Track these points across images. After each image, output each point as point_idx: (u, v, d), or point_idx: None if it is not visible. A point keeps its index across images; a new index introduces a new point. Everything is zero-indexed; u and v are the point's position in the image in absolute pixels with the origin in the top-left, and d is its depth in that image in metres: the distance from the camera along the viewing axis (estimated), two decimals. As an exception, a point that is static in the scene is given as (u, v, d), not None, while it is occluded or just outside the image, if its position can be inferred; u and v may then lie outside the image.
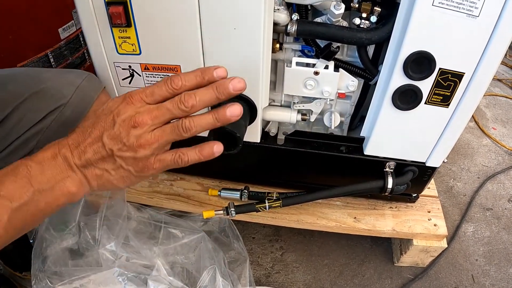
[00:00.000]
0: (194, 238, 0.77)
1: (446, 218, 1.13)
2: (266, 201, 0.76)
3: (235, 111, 0.46)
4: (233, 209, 0.74)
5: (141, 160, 0.44)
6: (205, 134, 0.51)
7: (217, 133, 0.63)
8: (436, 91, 0.66)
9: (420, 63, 0.62)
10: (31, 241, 0.91)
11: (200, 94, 0.44)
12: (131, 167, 0.45)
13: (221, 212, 0.74)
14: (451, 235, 1.10)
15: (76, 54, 1.09)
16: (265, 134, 0.79)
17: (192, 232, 0.78)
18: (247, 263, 0.82)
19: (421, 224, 0.88)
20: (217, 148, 0.47)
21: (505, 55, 2.11)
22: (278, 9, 0.61)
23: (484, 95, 1.68)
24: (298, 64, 0.66)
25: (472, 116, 1.56)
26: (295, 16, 0.64)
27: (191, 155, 0.46)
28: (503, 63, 2.04)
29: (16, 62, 0.99)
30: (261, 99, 0.68)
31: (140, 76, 0.71)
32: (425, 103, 0.67)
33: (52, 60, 1.03)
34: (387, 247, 1.02)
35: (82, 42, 1.10)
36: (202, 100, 0.44)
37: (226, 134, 0.63)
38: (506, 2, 0.55)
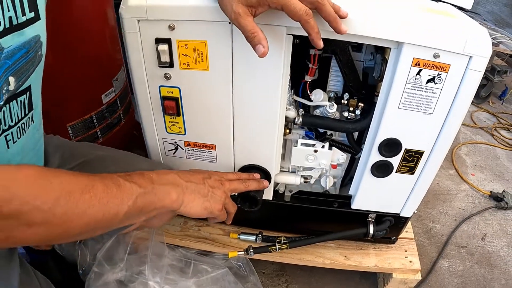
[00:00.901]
0: (220, 272, 1.04)
1: (424, 255, 1.41)
2: (276, 244, 1.04)
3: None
4: (251, 250, 1.02)
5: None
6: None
7: (244, 196, 0.92)
8: (403, 164, 0.94)
9: (390, 146, 0.90)
10: (80, 272, 1.17)
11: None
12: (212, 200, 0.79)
13: (243, 253, 1.03)
14: (428, 269, 1.37)
15: (114, 115, 1.37)
16: (275, 191, 1.08)
17: (218, 267, 1.05)
18: (260, 293, 1.10)
19: (399, 261, 1.15)
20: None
21: (488, 102, 2.44)
22: (289, 108, 0.91)
23: (465, 144, 2.01)
24: (302, 144, 0.95)
25: (453, 164, 1.87)
26: (301, 112, 0.93)
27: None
28: (485, 110, 2.36)
29: (66, 122, 1.25)
30: (274, 168, 0.98)
31: (183, 149, 0.99)
32: (396, 172, 0.95)
33: (95, 121, 1.31)
34: (373, 280, 1.29)
35: (119, 105, 1.39)
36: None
37: (250, 197, 0.92)
38: (452, 104, 0.82)
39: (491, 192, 1.70)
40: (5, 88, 0.57)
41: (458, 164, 1.88)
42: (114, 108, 1.37)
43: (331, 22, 0.66)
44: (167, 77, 0.85)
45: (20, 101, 0.63)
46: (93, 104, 1.30)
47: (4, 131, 0.61)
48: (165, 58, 0.81)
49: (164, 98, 0.89)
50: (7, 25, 0.55)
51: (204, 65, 0.82)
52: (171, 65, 0.82)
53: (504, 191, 1.70)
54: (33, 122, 0.70)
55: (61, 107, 1.21)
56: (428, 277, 1.34)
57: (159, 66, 0.83)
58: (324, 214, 1.08)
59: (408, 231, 1.24)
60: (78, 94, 1.23)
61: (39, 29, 0.63)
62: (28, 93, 0.64)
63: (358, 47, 0.94)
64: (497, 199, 1.68)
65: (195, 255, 1.12)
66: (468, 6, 0.96)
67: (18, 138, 0.65)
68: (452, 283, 1.34)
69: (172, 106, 0.89)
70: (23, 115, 0.65)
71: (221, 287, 1.04)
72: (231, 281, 1.04)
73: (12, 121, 0.62)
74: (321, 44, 0.67)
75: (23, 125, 0.65)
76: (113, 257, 1.09)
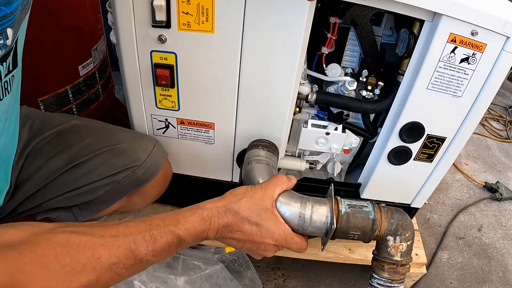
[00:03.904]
0: (214, 269, 0.92)
1: (424, 247, 1.33)
2: (278, 237, 0.92)
3: None
4: (251, 244, 0.90)
5: None
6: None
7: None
8: (423, 151, 0.85)
9: (412, 130, 0.81)
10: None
11: None
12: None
13: (241, 246, 0.90)
14: (428, 261, 1.30)
15: (92, 90, 1.21)
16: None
17: (211, 263, 0.93)
18: (260, 290, 0.99)
19: (405, 255, 1.07)
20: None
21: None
22: (303, 83, 0.79)
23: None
24: (313, 125, 0.84)
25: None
26: (315, 88, 0.81)
27: None
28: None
29: (37, 96, 1.09)
30: (281, 152, 0.85)
31: (174, 128, 0.86)
32: (414, 159, 0.86)
33: (70, 95, 1.14)
34: (374, 274, 1.21)
35: (98, 79, 1.22)
36: None
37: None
38: (482, 88, 0.75)
39: (485, 182, 1.65)
40: (1, 42, 0.47)
41: (452, 153, 1.83)
42: (92, 82, 1.20)
43: None
44: (161, 39, 0.71)
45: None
46: (69, 76, 1.14)
47: None
48: (160, 16, 0.68)
49: (156, 66, 0.75)
50: None
51: (208, 26, 0.69)
52: (167, 25, 0.69)
53: (498, 182, 1.65)
54: (14, 82, 0.59)
55: (33, 79, 1.04)
56: (429, 269, 1.28)
57: (153, 26, 0.70)
58: (330, 204, 0.96)
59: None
60: (52, 63, 1.07)
61: None
62: (14, 46, 0.54)
63: (376, 20, 0.83)
64: (491, 190, 1.63)
65: (186, 249, 0.99)
66: None
67: (0, 100, 0.54)
68: (452, 275, 1.28)
69: (165, 75, 0.76)
70: (6, 72, 0.54)
71: (215, 285, 0.92)
72: (226, 277, 0.92)
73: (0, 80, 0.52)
74: None
75: (5, 83, 0.55)
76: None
